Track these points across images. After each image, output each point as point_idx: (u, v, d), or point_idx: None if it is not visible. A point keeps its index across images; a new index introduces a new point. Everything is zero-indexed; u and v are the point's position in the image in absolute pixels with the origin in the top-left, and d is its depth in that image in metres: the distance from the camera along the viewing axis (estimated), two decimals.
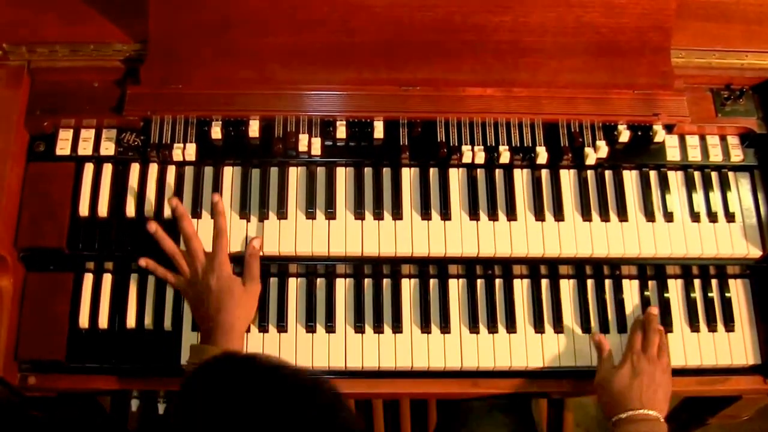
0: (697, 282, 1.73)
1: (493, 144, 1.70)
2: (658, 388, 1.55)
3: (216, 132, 1.67)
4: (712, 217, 1.71)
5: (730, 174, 1.76)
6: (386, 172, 1.70)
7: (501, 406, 1.90)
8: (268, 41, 1.65)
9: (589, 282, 1.71)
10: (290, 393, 0.99)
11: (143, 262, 1.62)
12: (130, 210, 1.64)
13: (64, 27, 1.70)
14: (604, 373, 1.60)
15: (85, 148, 1.68)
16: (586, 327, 1.68)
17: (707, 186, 1.73)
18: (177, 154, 1.67)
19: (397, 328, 1.64)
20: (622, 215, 1.69)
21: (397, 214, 1.66)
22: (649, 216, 1.69)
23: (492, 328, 1.66)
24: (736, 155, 1.75)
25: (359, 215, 1.66)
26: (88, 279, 1.65)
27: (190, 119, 1.68)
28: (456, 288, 1.69)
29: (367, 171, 1.70)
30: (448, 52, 1.66)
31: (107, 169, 1.67)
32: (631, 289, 1.72)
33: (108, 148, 1.68)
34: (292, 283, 1.68)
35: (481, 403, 1.89)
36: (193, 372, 1.07)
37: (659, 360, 1.59)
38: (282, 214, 1.65)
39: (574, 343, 1.67)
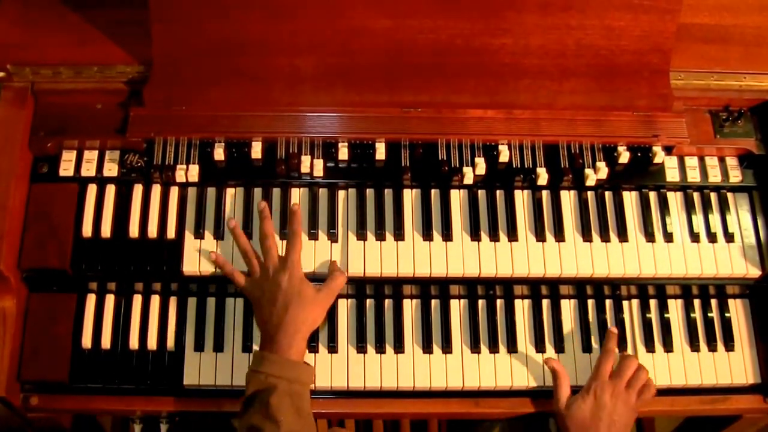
0: (696, 302, 1.74)
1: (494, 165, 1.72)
2: (617, 423, 1.53)
3: (219, 153, 1.68)
4: (712, 237, 1.72)
5: (729, 195, 1.77)
6: (388, 193, 1.71)
7: (518, 426, 1.89)
8: (270, 64, 1.66)
9: (590, 302, 1.72)
10: None
11: (213, 255, 1.62)
12: (134, 231, 1.65)
13: (69, 49, 1.71)
14: (564, 400, 1.58)
15: (89, 170, 1.69)
16: (587, 347, 1.69)
17: (706, 207, 1.75)
18: (180, 176, 1.67)
19: (398, 348, 1.65)
20: (623, 236, 1.70)
21: (398, 235, 1.67)
22: (649, 236, 1.70)
23: (493, 348, 1.66)
24: (735, 176, 1.77)
25: (361, 236, 1.67)
26: (91, 300, 1.66)
27: (193, 141, 1.69)
28: (457, 308, 1.69)
29: (369, 192, 1.71)
30: (450, 74, 1.68)
31: (110, 190, 1.68)
32: (631, 309, 1.73)
33: (111, 170, 1.69)
34: None
35: (496, 422, 1.88)
36: None
37: (627, 392, 1.55)
38: (284, 235, 1.66)
39: (576, 363, 1.68)
